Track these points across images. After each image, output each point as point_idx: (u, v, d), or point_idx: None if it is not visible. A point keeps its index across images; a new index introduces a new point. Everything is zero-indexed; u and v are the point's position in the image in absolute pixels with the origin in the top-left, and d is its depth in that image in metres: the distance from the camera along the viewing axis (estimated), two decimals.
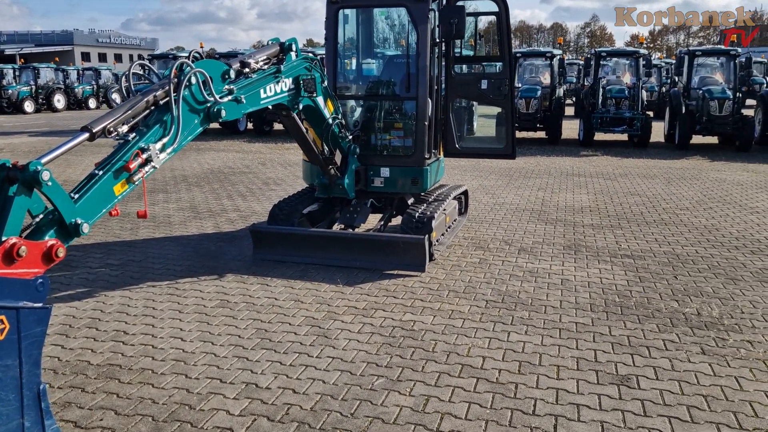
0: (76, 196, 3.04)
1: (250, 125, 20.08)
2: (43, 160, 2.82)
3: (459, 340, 4.27)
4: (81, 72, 35.23)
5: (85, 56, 62.59)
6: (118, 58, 64.09)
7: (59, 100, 31.90)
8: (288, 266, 5.92)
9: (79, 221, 2.94)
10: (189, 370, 3.82)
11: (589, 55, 19.68)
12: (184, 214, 8.34)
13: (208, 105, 3.90)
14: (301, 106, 5.13)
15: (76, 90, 33.22)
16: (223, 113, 3.94)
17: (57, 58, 41.42)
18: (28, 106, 30.29)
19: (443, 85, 6.72)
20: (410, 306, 4.93)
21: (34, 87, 31.00)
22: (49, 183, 2.76)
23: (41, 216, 2.92)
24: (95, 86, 34.37)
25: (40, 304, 2.64)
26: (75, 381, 3.68)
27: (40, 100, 31.24)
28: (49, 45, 58.93)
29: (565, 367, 3.88)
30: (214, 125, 20.78)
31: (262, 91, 4.54)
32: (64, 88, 32.68)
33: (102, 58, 63.82)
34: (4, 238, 2.62)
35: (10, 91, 30.02)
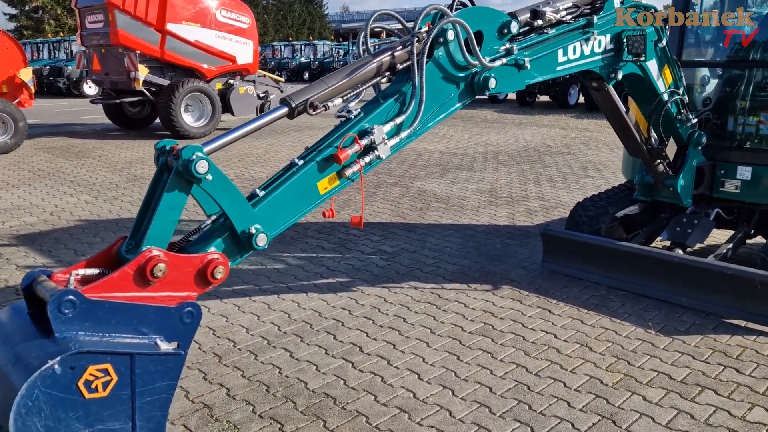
0: (262, 193, 2.24)
1: (581, 98, 18.28)
2: (208, 148, 2.06)
3: None
4: None
5: None
6: None
7: None
8: (583, 286, 4.52)
9: (253, 230, 2.13)
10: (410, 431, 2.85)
11: None
12: (480, 197, 7.44)
13: (473, 71, 2.77)
14: (620, 75, 3.63)
15: None
16: (492, 83, 2.77)
17: None
18: None
19: None
20: (764, 394, 3.13)
21: None
22: (209, 177, 1.98)
23: (214, 217, 2.21)
24: None
25: (170, 348, 1.91)
26: (279, 411, 3.02)
27: None
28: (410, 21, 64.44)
29: None
30: (544, 96, 19.54)
31: (560, 52, 3.21)
32: None
33: None
34: (143, 248, 1.94)
35: None
